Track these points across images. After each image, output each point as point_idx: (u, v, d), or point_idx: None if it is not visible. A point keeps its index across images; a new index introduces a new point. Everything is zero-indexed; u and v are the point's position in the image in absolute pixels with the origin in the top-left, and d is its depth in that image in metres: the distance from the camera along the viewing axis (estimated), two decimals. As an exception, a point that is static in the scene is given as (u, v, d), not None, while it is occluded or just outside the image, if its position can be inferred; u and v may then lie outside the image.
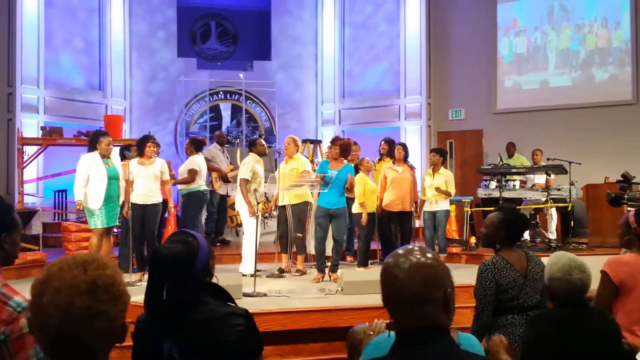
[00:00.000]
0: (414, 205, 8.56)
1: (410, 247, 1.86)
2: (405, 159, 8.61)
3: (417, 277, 1.75)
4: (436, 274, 1.78)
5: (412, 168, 8.72)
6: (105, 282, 1.57)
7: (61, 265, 1.58)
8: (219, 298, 2.38)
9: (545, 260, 3.42)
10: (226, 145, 11.93)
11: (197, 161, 8.84)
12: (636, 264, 3.74)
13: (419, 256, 1.80)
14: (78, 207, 7.56)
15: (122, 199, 7.72)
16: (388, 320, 2.65)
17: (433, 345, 1.73)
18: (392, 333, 1.89)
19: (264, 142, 8.51)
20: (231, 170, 10.59)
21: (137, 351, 2.41)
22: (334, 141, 8.12)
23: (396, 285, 1.77)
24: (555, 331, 2.89)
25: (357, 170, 8.32)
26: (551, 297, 3.02)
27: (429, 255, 1.81)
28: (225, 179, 10.17)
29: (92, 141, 7.67)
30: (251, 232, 7.95)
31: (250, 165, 8.13)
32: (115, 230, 8.32)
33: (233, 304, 2.40)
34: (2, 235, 2.45)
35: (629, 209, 6.53)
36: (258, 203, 7.48)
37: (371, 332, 2.61)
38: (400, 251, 1.84)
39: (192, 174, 8.66)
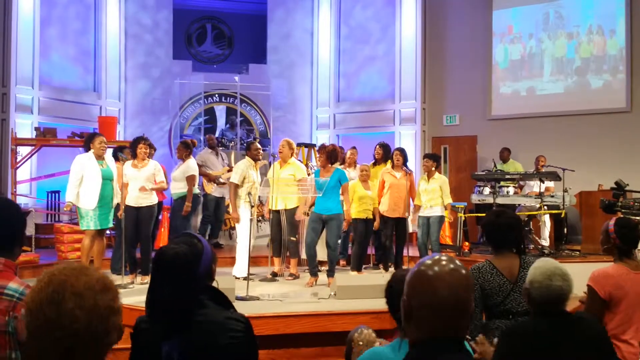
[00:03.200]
0: (409, 210, 8.57)
1: (440, 256, 1.85)
2: (403, 165, 8.61)
3: (462, 286, 1.77)
4: (472, 284, 1.82)
5: (409, 173, 8.72)
6: (109, 281, 1.67)
7: (62, 273, 1.63)
8: (219, 302, 2.38)
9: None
10: (220, 148, 11.91)
11: (193, 166, 8.86)
12: (620, 274, 3.74)
13: (456, 266, 1.80)
14: (67, 208, 7.54)
15: (116, 201, 7.70)
16: (371, 329, 2.64)
17: (453, 356, 1.73)
18: (405, 342, 1.87)
19: (258, 146, 8.50)
20: (228, 171, 10.56)
21: (136, 352, 2.41)
22: (320, 149, 8.14)
23: (440, 293, 1.74)
24: (529, 344, 2.78)
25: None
26: (529, 302, 2.95)
27: (461, 264, 1.82)
28: (218, 182, 10.13)
29: (87, 142, 7.67)
30: (245, 235, 7.94)
31: (240, 170, 8.14)
32: (108, 232, 8.30)
33: (232, 309, 2.41)
34: (22, 232, 2.47)
35: (621, 216, 6.54)
36: (252, 207, 7.47)
37: (360, 343, 2.59)
38: (434, 259, 1.83)
39: (193, 180, 8.73)
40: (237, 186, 8.11)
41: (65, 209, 7.66)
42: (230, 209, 8.46)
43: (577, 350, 2.75)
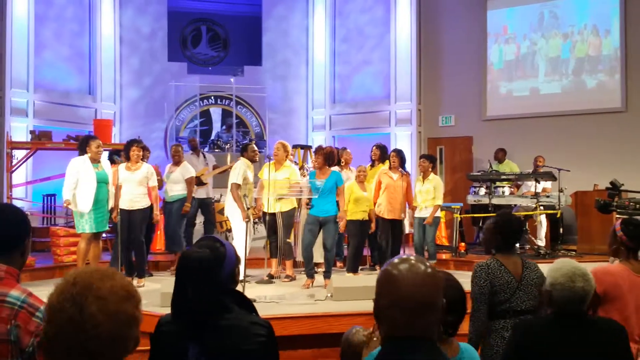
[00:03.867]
0: (405, 212, 8.57)
1: (408, 256, 1.89)
2: (400, 166, 8.59)
3: (427, 284, 1.79)
4: (439, 284, 1.83)
5: (407, 174, 8.71)
6: (134, 290, 1.66)
7: (89, 274, 1.61)
8: (242, 306, 2.43)
9: (543, 267, 3.41)
10: (217, 150, 11.88)
11: (190, 168, 8.85)
12: (620, 273, 3.75)
13: (422, 265, 1.83)
14: (66, 204, 7.50)
15: (111, 204, 7.69)
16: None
17: (424, 356, 1.74)
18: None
19: (255, 148, 8.49)
20: (209, 172, 10.48)
21: (157, 352, 2.43)
22: (317, 151, 8.12)
23: (403, 291, 1.77)
24: (546, 342, 2.82)
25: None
26: (549, 304, 2.97)
27: (428, 264, 1.85)
28: (199, 182, 9.92)
29: (82, 145, 7.66)
30: (241, 238, 7.93)
31: (240, 170, 8.12)
32: (104, 235, 8.28)
33: (255, 314, 2.47)
34: (26, 241, 2.44)
35: (617, 216, 6.55)
36: (248, 208, 7.47)
37: (375, 338, 2.60)
38: (401, 259, 1.86)
39: (192, 181, 8.73)
40: (238, 186, 8.07)
41: (64, 205, 7.62)
42: (226, 212, 8.43)
43: (596, 351, 2.79)
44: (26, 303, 2.22)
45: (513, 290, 3.70)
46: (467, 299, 2.84)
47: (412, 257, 1.87)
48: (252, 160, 8.35)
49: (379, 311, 1.83)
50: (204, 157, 10.97)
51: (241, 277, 7.28)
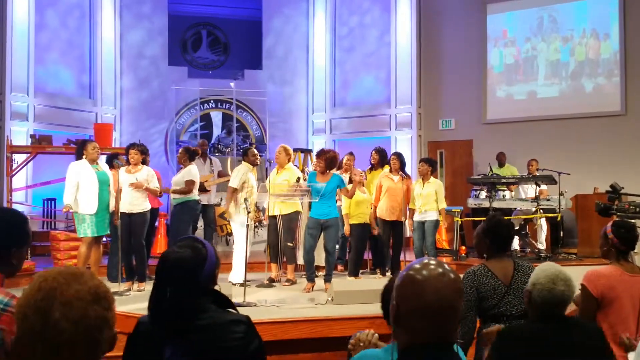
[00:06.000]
0: (406, 214, 8.57)
1: (430, 259, 1.84)
2: (400, 169, 8.61)
3: (451, 290, 1.75)
4: (462, 287, 1.79)
5: (407, 177, 8.72)
6: (104, 291, 1.60)
7: (54, 279, 1.57)
8: (221, 305, 2.39)
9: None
10: (217, 154, 11.88)
11: (194, 171, 8.80)
12: (614, 275, 3.77)
13: (445, 269, 1.79)
14: (65, 209, 7.50)
15: (111, 207, 7.69)
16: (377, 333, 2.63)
17: None
18: (394, 347, 1.85)
19: (256, 152, 8.51)
20: (213, 179, 10.51)
21: (132, 353, 2.38)
22: (320, 154, 8.12)
23: (429, 297, 1.73)
24: (526, 347, 2.77)
25: (350, 181, 8.33)
26: (529, 305, 2.95)
27: (450, 268, 1.81)
28: (202, 189, 9.97)
29: (79, 150, 7.66)
30: (241, 241, 7.94)
31: (240, 174, 8.15)
32: (105, 239, 8.28)
33: (234, 311, 2.42)
34: (12, 250, 2.42)
35: (617, 219, 6.55)
36: (249, 212, 7.47)
37: (362, 344, 2.57)
38: (422, 263, 1.82)
39: (190, 184, 8.61)
40: (235, 190, 8.12)
41: (63, 210, 7.61)
42: (226, 214, 8.45)
43: (576, 355, 2.74)
44: (9, 305, 2.24)
45: (501, 295, 3.70)
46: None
47: (433, 261, 1.82)
48: (253, 164, 8.38)
49: (400, 317, 1.78)
50: (211, 162, 10.99)
51: (241, 281, 7.29)
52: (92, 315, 1.54)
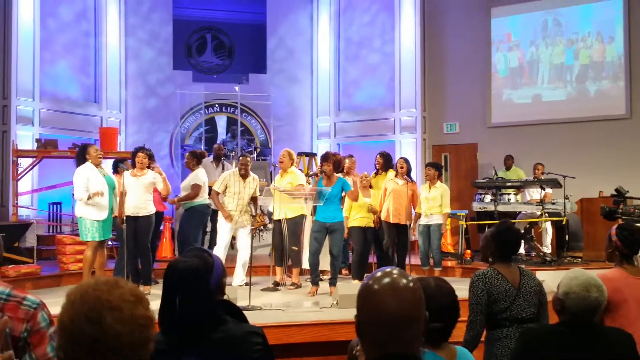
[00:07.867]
0: (411, 218, 8.56)
1: (389, 269, 1.79)
2: (407, 174, 8.59)
3: (407, 299, 1.70)
4: (421, 297, 1.74)
5: (413, 182, 8.70)
6: (141, 292, 1.67)
7: (94, 289, 1.60)
8: (235, 316, 2.41)
9: (540, 274, 3.41)
10: (223, 158, 11.87)
11: (200, 175, 8.80)
12: (619, 279, 3.77)
13: (402, 278, 1.74)
14: (95, 195, 7.30)
15: (116, 211, 7.69)
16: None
17: None
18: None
19: (245, 161, 8.33)
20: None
21: None
22: (326, 158, 8.11)
23: (382, 306, 1.69)
24: (557, 349, 2.82)
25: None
26: (560, 312, 2.96)
27: (410, 278, 1.77)
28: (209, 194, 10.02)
29: (80, 155, 7.63)
30: (245, 246, 7.96)
31: (222, 178, 8.33)
32: (110, 243, 8.28)
33: (247, 323, 2.44)
34: None
35: (622, 223, 6.54)
36: (253, 216, 7.50)
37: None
38: (383, 272, 1.77)
39: (196, 189, 8.63)
40: (217, 194, 8.26)
41: (92, 195, 7.27)
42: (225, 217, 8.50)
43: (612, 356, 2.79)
44: (11, 295, 2.36)
45: (512, 298, 3.70)
46: (462, 305, 2.82)
47: (393, 271, 1.77)
48: (239, 172, 8.32)
49: (361, 329, 1.74)
50: (223, 167, 10.94)
51: (242, 283, 7.32)
52: (139, 315, 1.59)
